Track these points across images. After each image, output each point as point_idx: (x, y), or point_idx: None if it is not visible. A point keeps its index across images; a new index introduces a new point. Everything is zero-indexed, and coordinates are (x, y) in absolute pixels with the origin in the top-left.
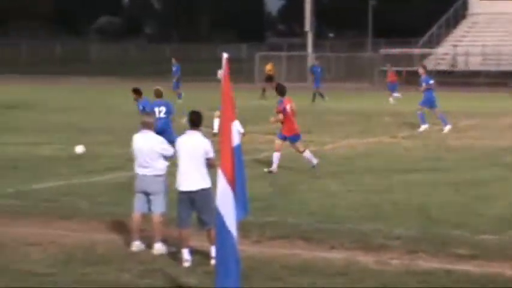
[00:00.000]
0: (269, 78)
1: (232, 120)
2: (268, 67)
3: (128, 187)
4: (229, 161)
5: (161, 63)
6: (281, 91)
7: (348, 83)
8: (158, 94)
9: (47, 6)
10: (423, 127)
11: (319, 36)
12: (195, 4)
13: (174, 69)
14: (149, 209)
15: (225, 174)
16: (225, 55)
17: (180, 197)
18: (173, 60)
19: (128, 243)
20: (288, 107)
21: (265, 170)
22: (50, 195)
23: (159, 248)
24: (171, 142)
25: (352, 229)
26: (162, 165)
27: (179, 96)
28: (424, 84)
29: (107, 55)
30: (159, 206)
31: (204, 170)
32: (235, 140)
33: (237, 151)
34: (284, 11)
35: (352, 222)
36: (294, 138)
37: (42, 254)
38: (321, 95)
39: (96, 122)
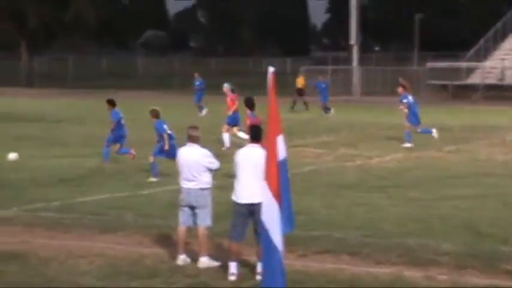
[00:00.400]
0: (300, 92)
1: (278, 134)
2: (299, 80)
3: (173, 200)
4: (275, 174)
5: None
6: (251, 105)
7: (394, 97)
8: (156, 114)
9: (93, 21)
10: (408, 145)
11: (364, 49)
12: (241, 18)
13: (197, 83)
14: (195, 223)
15: (271, 188)
16: (271, 69)
17: (238, 210)
18: (196, 75)
19: (174, 257)
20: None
21: None
22: (95, 208)
23: (204, 261)
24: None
25: (399, 244)
26: (207, 179)
27: (201, 109)
28: (404, 101)
29: (153, 69)
30: (204, 220)
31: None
32: (281, 153)
33: (282, 165)
34: (329, 25)
35: (398, 237)
36: None
37: (89, 267)
38: (325, 109)
39: (141, 135)
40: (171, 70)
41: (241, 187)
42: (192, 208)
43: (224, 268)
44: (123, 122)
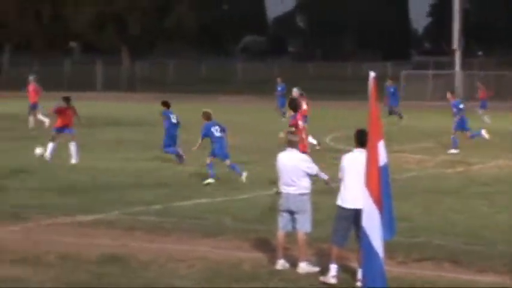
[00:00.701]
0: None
1: (379, 139)
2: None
3: (272, 205)
4: (376, 180)
5: (304, 81)
6: (294, 107)
7: (498, 102)
8: (208, 116)
9: (194, 26)
10: (453, 151)
11: (467, 54)
12: (341, 22)
13: (279, 88)
14: (294, 228)
15: (372, 193)
16: (372, 74)
17: (342, 214)
18: (278, 80)
19: (273, 262)
20: (300, 123)
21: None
22: (194, 212)
23: (303, 267)
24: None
25: (503, 252)
26: (307, 184)
27: (283, 114)
28: (454, 109)
29: (252, 74)
30: (304, 225)
31: None
32: (382, 159)
33: (383, 171)
34: (430, 29)
35: (502, 245)
36: None
37: (188, 271)
38: (392, 113)
39: (240, 140)
40: (269, 75)
41: (346, 191)
42: (292, 213)
43: (323, 273)
44: (174, 121)
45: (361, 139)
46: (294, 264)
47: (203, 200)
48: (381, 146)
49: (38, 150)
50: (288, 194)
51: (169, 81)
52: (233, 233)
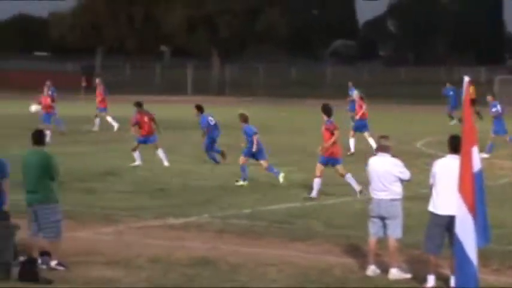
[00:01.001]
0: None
1: (473, 144)
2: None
3: (362, 210)
4: (470, 187)
5: (395, 86)
6: (328, 112)
7: None
8: (245, 119)
9: (283, 30)
10: (485, 155)
11: None
12: (434, 26)
13: (350, 92)
14: (385, 234)
15: (465, 200)
16: (466, 78)
17: (435, 221)
18: (350, 84)
19: (363, 267)
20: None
21: (307, 195)
22: (284, 217)
23: (395, 273)
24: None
25: None
26: (399, 189)
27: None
28: (493, 110)
29: (341, 78)
30: (395, 231)
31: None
32: (476, 165)
33: (477, 177)
34: None
35: None
36: (334, 161)
37: (278, 275)
38: (451, 116)
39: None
40: (359, 79)
41: (438, 197)
42: (383, 219)
43: (415, 280)
44: (212, 123)
45: (455, 145)
46: (385, 270)
47: (293, 204)
48: (475, 151)
49: (33, 108)
50: (380, 199)
51: (259, 85)
52: (323, 237)
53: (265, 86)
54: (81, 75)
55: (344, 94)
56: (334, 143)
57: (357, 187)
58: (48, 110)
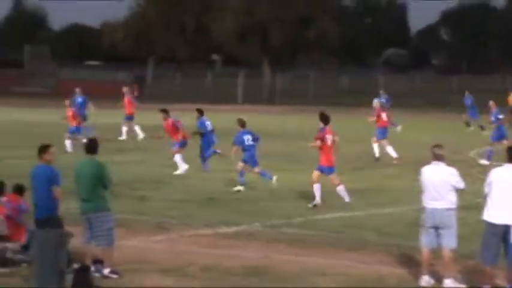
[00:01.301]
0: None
1: None
2: (510, 98)
3: (415, 220)
4: None
5: (447, 94)
6: (325, 120)
7: None
8: (243, 124)
9: (334, 38)
10: (484, 162)
11: None
12: (487, 34)
13: (383, 100)
14: (439, 244)
15: None
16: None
17: (491, 230)
18: (381, 92)
19: (417, 277)
20: (328, 137)
21: (309, 205)
22: (336, 226)
23: (449, 283)
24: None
25: None
26: (453, 198)
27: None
28: (492, 119)
29: (394, 87)
30: (449, 241)
31: None
32: None
33: None
34: None
35: None
36: (329, 170)
37: (330, 284)
38: (468, 123)
39: (383, 154)
40: (412, 88)
41: (495, 207)
42: (437, 228)
43: None
44: (209, 129)
45: (510, 155)
46: (439, 280)
47: (344, 214)
48: None
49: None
50: (434, 208)
51: (310, 93)
52: (375, 247)
53: (316, 95)
54: (133, 84)
55: (396, 102)
56: (326, 151)
57: (347, 198)
58: (72, 121)
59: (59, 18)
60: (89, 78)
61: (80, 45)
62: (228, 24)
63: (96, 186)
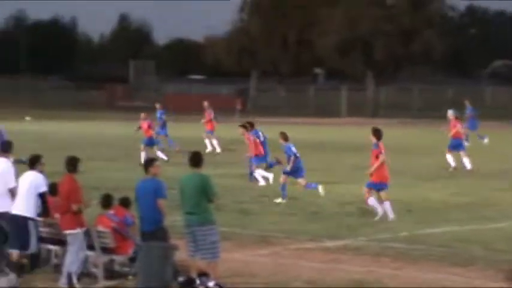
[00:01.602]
0: None
1: None
2: None
3: None
4: None
5: None
6: (378, 135)
7: None
8: (285, 138)
9: (439, 50)
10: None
11: None
12: None
13: (467, 111)
14: None
15: None
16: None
17: None
18: (466, 103)
19: None
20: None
21: (376, 218)
22: (443, 241)
23: None
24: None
25: None
26: None
27: (480, 137)
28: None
29: (501, 99)
30: None
31: None
32: None
33: None
34: None
35: None
36: (380, 186)
37: None
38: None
39: (492, 167)
40: None
41: None
42: None
43: None
44: (261, 139)
45: None
46: None
47: (451, 228)
48: None
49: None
50: None
51: (414, 106)
52: (484, 262)
53: (420, 107)
54: (236, 98)
55: (502, 115)
56: (379, 167)
57: (391, 215)
58: (147, 133)
59: (163, 32)
60: (192, 92)
61: (184, 60)
62: (331, 38)
63: (201, 199)
